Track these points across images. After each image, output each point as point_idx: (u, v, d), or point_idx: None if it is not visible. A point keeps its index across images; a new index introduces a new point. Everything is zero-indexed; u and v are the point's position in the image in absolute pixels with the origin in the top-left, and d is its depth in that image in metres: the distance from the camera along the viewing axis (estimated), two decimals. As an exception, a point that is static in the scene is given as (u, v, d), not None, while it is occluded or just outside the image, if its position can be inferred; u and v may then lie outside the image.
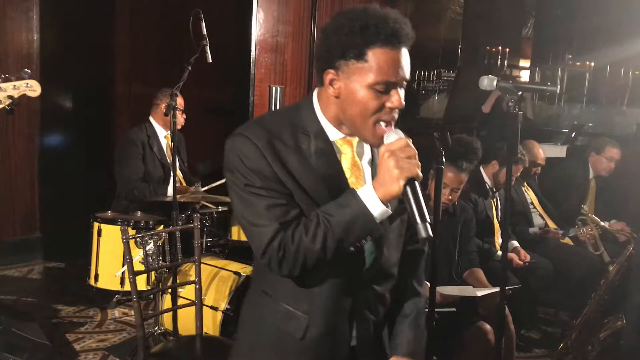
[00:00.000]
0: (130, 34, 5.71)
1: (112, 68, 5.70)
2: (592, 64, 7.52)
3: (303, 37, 5.22)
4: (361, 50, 1.39)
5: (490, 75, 2.30)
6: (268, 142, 1.44)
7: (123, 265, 3.50)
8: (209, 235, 3.79)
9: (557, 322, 4.43)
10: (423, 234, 1.33)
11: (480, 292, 2.92)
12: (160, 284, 3.29)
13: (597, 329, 3.52)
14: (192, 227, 2.92)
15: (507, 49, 6.94)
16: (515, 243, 4.02)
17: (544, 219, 4.52)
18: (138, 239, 3.48)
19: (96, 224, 3.63)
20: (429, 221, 1.34)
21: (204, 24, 3.50)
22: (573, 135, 5.53)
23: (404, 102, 1.44)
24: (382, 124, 1.44)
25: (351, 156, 1.52)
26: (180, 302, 3.21)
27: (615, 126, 6.56)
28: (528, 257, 3.87)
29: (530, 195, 4.54)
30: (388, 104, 1.42)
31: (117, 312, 4.26)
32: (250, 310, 1.65)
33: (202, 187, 3.80)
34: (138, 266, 3.52)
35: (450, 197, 2.99)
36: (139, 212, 3.80)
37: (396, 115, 1.45)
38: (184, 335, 3.09)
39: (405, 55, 1.42)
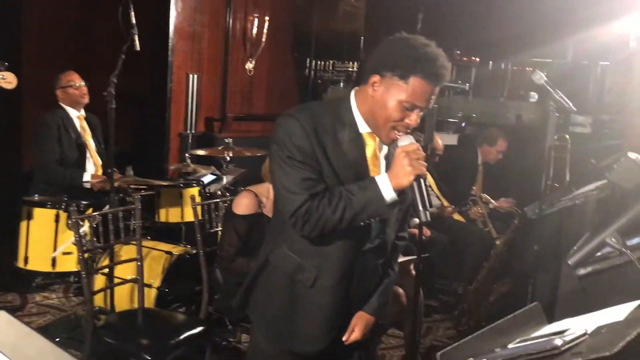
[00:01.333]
0: (40, 16, 5.58)
1: (20, 50, 5.55)
2: (477, 59, 8.19)
3: (219, 26, 5.41)
4: (407, 74, 1.73)
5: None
6: (313, 126, 1.78)
7: (55, 247, 3.57)
8: (135, 218, 3.92)
9: (451, 291, 4.96)
10: (423, 219, 1.73)
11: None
12: (95, 264, 3.41)
13: (487, 294, 4.07)
14: (131, 209, 3.10)
15: (404, 44, 7.42)
16: (417, 220, 4.48)
17: (440, 199, 5.03)
18: (69, 222, 3.59)
19: (26, 208, 3.66)
20: (429, 209, 1.74)
21: (133, 13, 3.61)
22: (463, 125, 6.12)
23: (418, 122, 1.80)
24: (396, 132, 1.79)
25: (373, 148, 1.87)
26: (116, 281, 3.34)
27: (497, 117, 7.25)
28: (429, 233, 4.34)
29: (428, 179, 5.02)
30: (407, 120, 1.78)
31: (37, 297, 4.28)
32: (263, 260, 1.97)
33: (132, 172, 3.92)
34: (71, 248, 3.64)
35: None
36: (65, 195, 3.85)
37: (409, 130, 1.81)
38: (124, 310, 3.25)
39: (436, 91, 1.78)
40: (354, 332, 1.98)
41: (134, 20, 3.58)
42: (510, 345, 1.63)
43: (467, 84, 2.64)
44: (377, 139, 1.87)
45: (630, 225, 2.00)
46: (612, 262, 2.45)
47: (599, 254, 2.22)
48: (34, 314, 4.02)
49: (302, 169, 1.77)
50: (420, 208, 1.73)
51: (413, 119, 1.78)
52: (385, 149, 1.91)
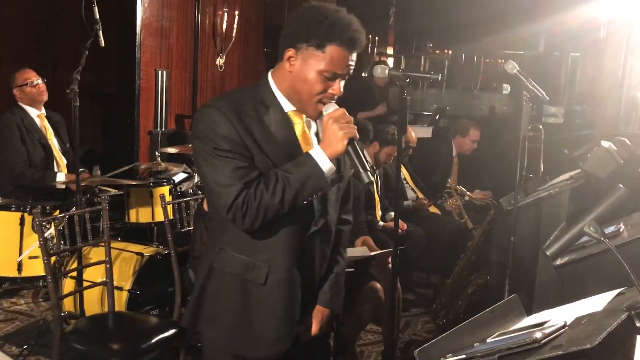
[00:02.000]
0: (1, 14, 5.43)
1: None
2: (450, 52, 8.23)
3: (187, 21, 5.30)
4: (323, 42, 1.67)
5: (382, 65, 2.60)
6: (235, 112, 1.69)
7: (21, 252, 3.45)
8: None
9: (429, 284, 4.95)
10: (366, 180, 1.69)
11: (372, 253, 3.28)
12: (63, 268, 3.30)
13: (465, 286, 4.05)
14: (98, 209, 3.00)
15: (377, 38, 7.42)
16: (392, 214, 4.45)
17: (415, 192, 5.01)
18: (35, 225, 3.47)
19: (-12, 211, 3.53)
20: (369, 169, 1.69)
21: (96, 8, 3.50)
22: (437, 117, 6.11)
23: (342, 91, 1.74)
24: (322, 104, 1.73)
25: (302, 126, 1.80)
26: (85, 284, 3.24)
27: (471, 109, 7.29)
28: (405, 226, 4.31)
29: (403, 172, 5.00)
30: (330, 90, 1.72)
31: (4, 303, 4.15)
32: (207, 269, 1.84)
33: (101, 171, 3.82)
34: (36, 251, 3.52)
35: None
36: (30, 198, 3.73)
37: (334, 100, 1.74)
38: (94, 314, 3.15)
39: (354, 57, 1.73)
40: (313, 327, 1.92)
41: (97, 15, 3.47)
42: (489, 339, 1.60)
43: (440, 75, 2.60)
44: (304, 116, 1.80)
45: (606, 214, 1.97)
46: (588, 251, 2.44)
47: (576, 243, 2.20)
48: (1, 320, 3.89)
49: (231, 159, 1.67)
50: (361, 170, 1.69)
51: (336, 88, 1.72)
52: (314, 126, 1.84)
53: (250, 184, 1.66)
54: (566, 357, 1.31)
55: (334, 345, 3.35)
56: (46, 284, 4.21)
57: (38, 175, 3.98)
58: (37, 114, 4.15)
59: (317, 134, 1.84)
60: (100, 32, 3.49)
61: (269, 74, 1.80)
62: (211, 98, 1.80)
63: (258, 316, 1.80)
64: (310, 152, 1.70)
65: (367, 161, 1.71)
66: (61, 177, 4.02)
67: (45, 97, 4.15)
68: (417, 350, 1.50)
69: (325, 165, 1.69)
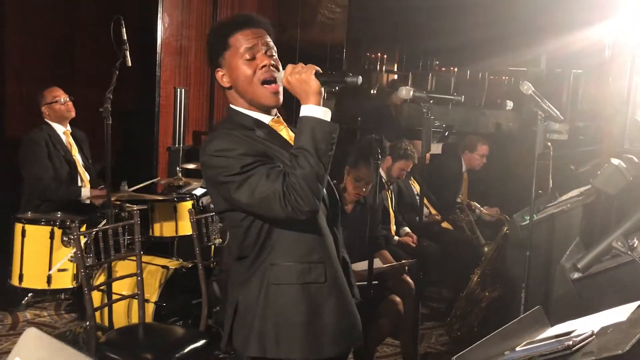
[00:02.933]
0: (21, 32, 5.57)
1: (1, 66, 5.53)
2: (456, 69, 8.37)
3: (205, 41, 5.44)
4: (225, 41, 1.81)
5: (407, 86, 2.71)
6: (237, 137, 1.77)
7: (50, 264, 3.56)
8: (129, 233, 3.93)
9: (441, 299, 5.05)
10: (358, 82, 1.76)
11: (386, 265, 3.40)
12: (92, 281, 3.40)
13: (479, 300, 4.15)
14: (131, 223, 3.12)
15: (385, 56, 7.58)
16: (407, 229, 4.57)
17: (428, 208, 5.13)
18: (64, 238, 3.59)
19: (19, 225, 3.63)
20: (350, 75, 1.76)
21: (124, 29, 3.63)
22: (446, 134, 6.23)
23: (272, 60, 1.83)
24: (266, 85, 1.82)
25: (286, 131, 1.91)
26: (114, 297, 3.34)
27: (478, 125, 7.43)
28: (416, 240, 4.40)
29: (416, 188, 5.12)
30: (260, 64, 1.81)
31: (28, 314, 4.25)
32: (259, 289, 1.82)
33: (129, 186, 3.94)
34: (66, 265, 3.63)
35: (364, 190, 3.43)
36: (59, 212, 3.84)
37: (275, 74, 1.82)
38: (125, 325, 3.25)
39: (256, 31, 1.83)
40: None
41: (125, 36, 3.61)
42: (518, 348, 1.69)
43: (463, 96, 2.70)
44: (283, 122, 1.91)
45: (633, 229, 2.09)
46: (605, 265, 2.55)
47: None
48: (27, 332, 3.98)
49: (260, 166, 1.72)
50: (346, 79, 1.76)
51: (259, 57, 1.81)
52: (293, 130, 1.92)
53: (284, 177, 1.70)
54: (598, 363, 1.42)
55: (354, 357, 3.46)
56: (68, 297, 4.34)
57: (63, 189, 4.09)
58: (63, 131, 4.28)
59: None
60: (127, 52, 3.63)
61: (230, 104, 1.91)
62: (206, 138, 1.88)
63: (329, 315, 1.83)
64: (300, 113, 1.74)
65: (342, 73, 1.80)
66: (86, 192, 4.14)
67: (73, 114, 4.29)
68: (454, 357, 1.60)
69: (317, 111, 1.73)
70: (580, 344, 1.52)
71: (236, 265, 1.91)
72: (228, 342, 1.92)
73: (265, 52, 1.83)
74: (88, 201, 4.06)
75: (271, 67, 1.82)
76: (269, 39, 1.86)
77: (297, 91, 1.75)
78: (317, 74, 1.74)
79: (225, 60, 1.82)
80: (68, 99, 4.25)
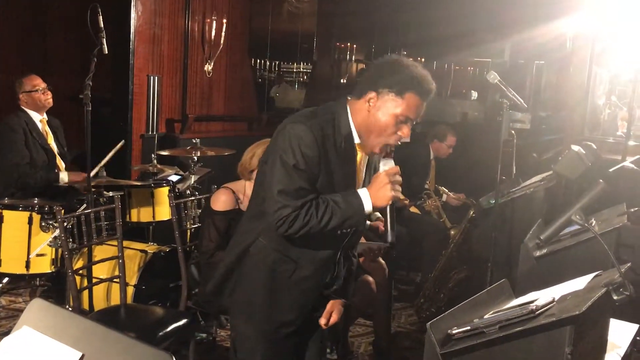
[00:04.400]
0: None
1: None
2: (423, 60, 8.53)
3: (178, 29, 5.48)
4: (403, 90, 1.94)
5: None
6: (321, 135, 1.93)
7: (29, 250, 3.59)
8: (107, 218, 3.99)
9: (410, 281, 5.23)
10: (390, 239, 1.98)
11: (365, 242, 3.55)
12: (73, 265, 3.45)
13: (446, 280, 4.34)
14: (112, 208, 3.19)
15: (355, 46, 7.70)
16: (378, 214, 4.71)
17: (397, 193, 5.28)
18: (43, 224, 3.64)
19: (-3, 211, 3.66)
20: (395, 230, 2.00)
21: (101, 17, 3.67)
22: (414, 123, 6.38)
23: (409, 136, 2.03)
24: (385, 147, 2.00)
25: (360, 158, 2.06)
26: (94, 281, 3.40)
27: (445, 115, 7.60)
28: (382, 227, 4.55)
29: (385, 174, 5.27)
30: (399, 132, 1.98)
31: (3, 300, 4.27)
32: (241, 251, 2.10)
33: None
34: (44, 250, 3.68)
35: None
36: (35, 198, 3.87)
37: (394, 146, 2.02)
38: (106, 307, 3.32)
39: (425, 106, 2.00)
40: (333, 317, 2.20)
41: (102, 24, 3.64)
42: (486, 316, 1.84)
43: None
44: (362, 151, 2.05)
45: (588, 205, 2.27)
46: (565, 243, 2.73)
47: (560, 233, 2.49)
48: (3, 317, 4.02)
49: (301, 179, 1.92)
50: (389, 229, 1.98)
51: (405, 131, 1.98)
52: (365, 158, 2.09)
53: (304, 205, 1.91)
54: (558, 323, 1.58)
55: (327, 336, 3.59)
56: (43, 282, 4.37)
57: (41, 175, 4.11)
58: (39, 119, 4.29)
59: (366, 166, 2.10)
60: (104, 40, 3.67)
61: (347, 105, 2.02)
62: (300, 114, 1.99)
63: (280, 301, 2.09)
64: (360, 194, 1.95)
65: (395, 223, 1.99)
66: (64, 176, 4.16)
67: (51, 104, 4.30)
68: (429, 323, 1.74)
69: (368, 208, 1.95)
70: (543, 309, 1.68)
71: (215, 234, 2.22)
72: (211, 289, 2.21)
73: (410, 126, 1.99)
74: (66, 186, 4.09)
75: (399, 142, 2.01)
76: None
77: (377, 188, 1.94)
78: (391, 203, 1.95)
79: (387, 96, 1.94)
80: (47, 88, 4.26)
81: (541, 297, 1.85)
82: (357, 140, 2.01)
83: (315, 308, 2.20)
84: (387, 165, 1.99)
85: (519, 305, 1.81)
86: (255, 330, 2.13)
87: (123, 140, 4.40)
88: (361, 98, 1.99)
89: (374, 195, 1.94)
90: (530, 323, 1.63)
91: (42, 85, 4.26)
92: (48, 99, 4.27)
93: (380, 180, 1.94)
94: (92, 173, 3.96)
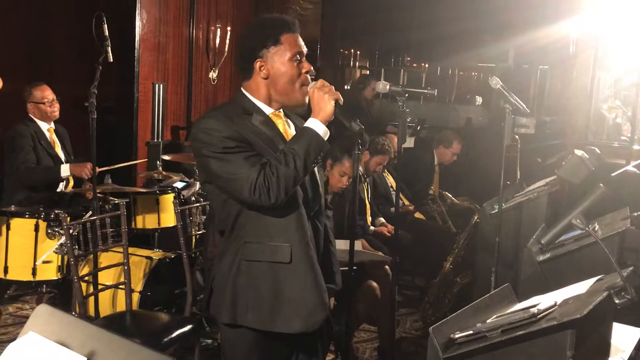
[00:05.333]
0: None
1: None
2: (427, 65, 8.56)
3: (183, 37, 5.52)
4: (277, 37, 2.00)
5: (384, 81, 2.86)
6: (228, 120, 1.96)
7: (35, 257, 3.62)
8: (112, 225, 4.01)
9: (414, 286, 5.23)
10: (357, 128, 2.01)
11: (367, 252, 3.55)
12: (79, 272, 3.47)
13: (451, 286, 4.34)
14: (117, 214, 3.21)
15: (358, 52, 7.74)
16: (382, 219, 4.73)
17: (401, 199, 5.29)
18: (49, 231, 3.67)
19: (4, 218, 3.68)
20: (355, 121, 2.01)
21: (106, 26, 3.70)
22: (418, 128, 6.41)
23: (311, 66, 2.06)
24: (305, 87, 2.03)
25: (283, 125, 2.10)
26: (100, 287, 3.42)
27: (449, 120, 7.63)
28: (392, 229, 4.56)
29: (390, 180, 5.28)
30: (304, 70, 2.03)
31: (10, 308, 4.30)
32: (235, 265, 2.02)
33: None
34: (51, 257, 3.70)
35: (346, 183, 3.57)
36: (41, 206, 3.90)
37: (310, 78, 2.05)
38: (112, 313, 3.34)
39: (300, 37, 2.05)
40: (331, 303, 2.24)
41: (107, 33, 3.68)
42: (488, 320, 1.85)
43: (436, 90, 2.87)
44: (282, 117, 2.09)
45: (589, 209, 2.27)
46: (568, 248, 2.74)
47: (561, 238, 2.50)
48: (10, 324, 4.04)
49: (241, 152, 1.92)
50: (351, 122, 2.00)
51: (306, 65, 2.03)
52: (292, 125, 2.13)
53: (265, 165, 1.91)
54: (559, 327, 1.58)
55: (332, 342, 3.61)
56: (49, 290, 4.40)
57: (42, 168, 4.14)
58: (47, 128, 4.33)
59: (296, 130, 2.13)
60: (109, 48, 3.70)
61: (242, 89, 2.09)
62: (201, 115, 2.06)
63: (291, 293, 2.01)
64: (306, 124, 1.97)
65: (351, 115, 2.02)
66: (65, 168, 4.17)
67: (57, 115, 4.34)
68: (432, 327, 1.76)
69: (320, 129, 1.96)
70: (544, 313, 1.69)
71: (220, 238, 2.10)
72: (205, 308, 2.13)
73: (306, 59, 2.05)
74: (70, 189, 4.11)
75: (309, 76, 2.04)
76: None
77: (314, 103, 1.98)
78: (336, 102, 1.97)
79: (269, 53, 2.00)
80: (55, 99, 4.30)
81: (543, 301, 1.86)
82: (268, 111, 2.06)
83: None
84: (310, 84, 2.03)
85: (521, 310, 1.82)
86: (262, 335, 2.05)
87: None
88: (252, 75, 2.04)
89: (316, 112, 1.97)
90: (532, 327, 1.64)
91: (50, 97, 4.30)
92: (55, 111, 4.31)
93: (315, 96, 1.97)
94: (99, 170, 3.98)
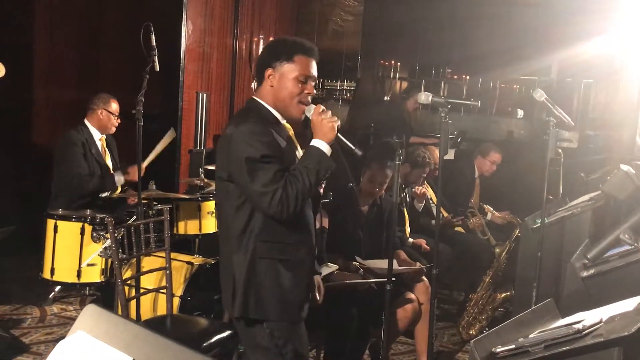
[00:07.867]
0: (49, 35, 5.76)
1: (30, 70, 5.72)
2: (468, 77, 8.49)
3: (226, 47, 5.62)
4: (291, 55, 2.22)
5: (426, 92, 2.85)
6: (266, 128, 2.18)
7: (80, 259, 3.72)
8: (155, 230, 4.09)
9: (453, 301, 5.17)
10: (359, 153, 2.26)
11: (401, 268, 3.54)
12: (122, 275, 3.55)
13: (490, 301, 4.28)
14: (161, 220, 3.28)
15: (399, 64, 7.73)
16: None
17: (441, 212, 5.24)
18: (94, 234, 3.76)
19: (52, 221, 3.80)
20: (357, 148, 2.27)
21: (153, 36, 3.79)
22: (459, 140, 6.36)
23: (314, 91, 2.29)
24: (302, 104, 2.25)
25: (292, 132, 2.35)
26: (142, 291, 3.48)
27: (490, 132, 7.54)
28: (428, 248, 4.52)
29: (430, 192, 5.25)
30: (306, 91, 2.25)
31: (55, 308, 4.41)
32: (247, 263, 2.20)
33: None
34: (95, 259, 3.79)
35: (377, 190, 3.59)
36: (87, 210, 4.01)
37: (310, 99, 2.27)
38: (153, 317, 3.40)
39: (314, 64, 2.29)
40: (321, 291, 2.54)
41: (154, 43, 3.76)
42: (531, 335, 1.82)
43: (479, 101, 2.87)
44: (289, 126, 2.31)
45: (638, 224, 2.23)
46: (613, 264, 2.68)
47: (606, 255, 2.45)
48: (55, 325, 4.15)
49: (274, 164, 2.12)
50: (353, 148, 2.26)
51: (309, 87, 2.24)
52: (292, 134, 2.35)
53: (286, 182, 2.11)
54: (606, 344, 1.55)
55: (369, 354, 3.59)
56: (93, 292, 4.51)
57: (98, 179, 4.27)
58: (99, 137, 4.46)
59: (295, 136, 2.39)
60: (156, 57, 3.79)
61: (255, 97, 2.29)
62: (229, 125, 2.26)
63: (295, 286, 2.24)
64: (313, 144, 2.20)
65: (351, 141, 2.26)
66: (119, 177, 4.29)
67: (114, 130, 4.49)
68: (473, 340, 1.74)
69: (327, 149, 2.20)
70: (590, 329, 1.66)
71: (226, 235, 2.27)
72: (232, 309, 2.30)
73: (313, 84, 2.27)
74: (117, 194, 4.22)
75: (309, 97, 2.26)
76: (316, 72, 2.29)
77: (318, 129, 2.19)
78: (338, 129, 2.20)
79: (281, 67, 2.22)
80: (117, 116, 4.45)
81: (588, 317, 1.82)
82: (282, 120, 2.27)
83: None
84: (311, 110, 2.22)
85: (565, 325, 1.79)
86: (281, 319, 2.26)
87: (172, 128, 4.51)
88: (262, 82, 2.26)
89: (321, 136, 2.18)
90: (576, 343, 1.62)
91: (118, 111, 4.44)
92: (116, 125, 4.45)
93: (316, 123, 2.18)
94: (145, 164, 4.12)
